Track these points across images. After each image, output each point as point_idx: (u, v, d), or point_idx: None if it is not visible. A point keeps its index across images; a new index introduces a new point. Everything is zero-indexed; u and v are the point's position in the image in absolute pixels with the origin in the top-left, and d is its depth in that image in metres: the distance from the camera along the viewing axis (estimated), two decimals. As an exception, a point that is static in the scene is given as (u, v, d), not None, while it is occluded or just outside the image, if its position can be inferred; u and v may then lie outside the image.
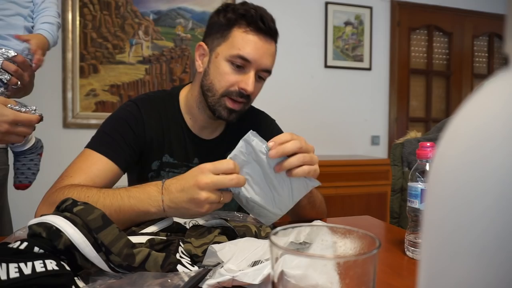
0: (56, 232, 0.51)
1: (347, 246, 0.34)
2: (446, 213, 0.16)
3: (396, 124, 3.09)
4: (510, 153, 0.14)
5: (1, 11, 0.99)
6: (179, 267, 0.55)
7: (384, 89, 3.08)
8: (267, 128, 1.08)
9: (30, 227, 0.53)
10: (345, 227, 0.35)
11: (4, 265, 0.45)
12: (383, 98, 3.08)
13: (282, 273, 0.31)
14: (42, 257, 0.48)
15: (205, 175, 0.66)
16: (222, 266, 0.53)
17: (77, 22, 2.36)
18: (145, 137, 0.92)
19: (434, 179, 0.18)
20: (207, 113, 0.95)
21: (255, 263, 0.54)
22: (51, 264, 0.47)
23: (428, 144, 0.69)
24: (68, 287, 0.48)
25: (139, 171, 0.96)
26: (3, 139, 0.80)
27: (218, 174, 0.67)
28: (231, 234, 0.69)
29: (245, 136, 0.71)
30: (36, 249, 0.49)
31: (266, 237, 0.69)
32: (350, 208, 2.47)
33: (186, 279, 0.50)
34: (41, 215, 0.54)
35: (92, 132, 0.99)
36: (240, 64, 0.87)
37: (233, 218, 0.81)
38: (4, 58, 0.91)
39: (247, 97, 0.90)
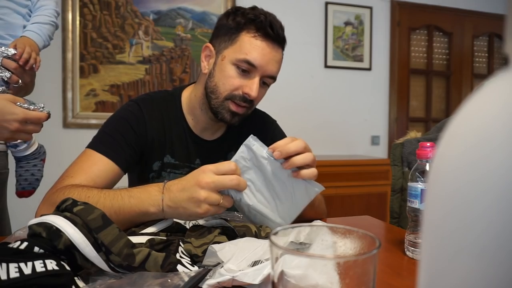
0: (56, 232, 0.51)
1: (347, 246, 0.34)
2: (446, 213, 0.16)
3: (396, 124, 3.09)
4: (510, 153, 0.14)
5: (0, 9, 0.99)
6: (179, 267, 0.55)
7: (384, 89, 3.08)
8: (269, 129, 1.08)
9: (30, 227, 0.53)
10: (345, 227, 0.35)
11: (4, 265, 0.45)
12: (383, 98, 3.09)
13: (282, 273, 0.31)
14: (42, 257, 0.48)
15: (206, 175, 0.66)
16: (222, 266, 0.53)
17: (77, 22, 2.36)
18: (147, 137, 0.92)
19: (434, 179, 0.18)
20: (209, 115, 0.95)
21: (255, 263, 0.54)
22: (51, 264, 0.47)
23: (428, 144, 0.69)
24: (68, 287, 0.48)
25: (140, 171, 0.96)
26: (12, 137, 0.80)
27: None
28: (231, 234, 0.69)
29: (246, 141, 0.71)
30: (36, 249, 0.49)
31: (266, 237, 0.69)
32: (350, 208, 2.47)
33: (186, 279, 0.50)
34: (41, 215, 0.54)
35: (92, 132, 0.99)
36: (246, 68, 0.87)
37: (233, 218, 0.81)
38: (3, 56, 0.91)
39: (250, 102, 0.90)
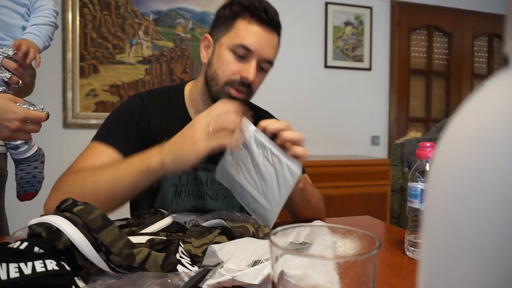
0: (56, 232, 0.51)
1: (347, 246, 0.34)
2: (446, 213, 0.16)
3: (396, 124, 3.09)
4: (510, 153, 0.14)
5: None
6: (179, 267, 0.55)
7: (384, 89, 3.08)
8: None
9: (30, 227, 0.53)
10: (345, 227, 0.35)
11: (4, 265, 0.45)
12: (383, 98, 3.09)
13: (282, 273, 0.31)
14: (42, 257, 0.48)
15: (201, 119, 0.71)
16: (222, 266, 0.53)
17: (77, 22, 2.36)
18: (149, 133, 0.92)
19: (434, 179, 0.18)
20: (211, 105, 0.96)
21: (255, 263, 0.54)
22: (51, 264, 0.47)
23: (428, 144, 0.69)
24: (68, 287, 0.48)
25: None
26: (12, 137, 0.80)
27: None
28: (231, 234, 0.69)
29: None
30: (36, 249, 0.49)
31: (264, 237, 0.69)
32: (350, 208, 2.47)
33: (186, 279, 0.50)
34: (41, 215, 0.54)
35: (92, 132, 0.97)
36: (242, 54, 0.88)
37: (233, 218, 0.81)
38: (4, 56, 0.91)
39: (249, 86, 0.91)
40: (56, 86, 2.33)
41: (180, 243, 0.62)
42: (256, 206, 0.77)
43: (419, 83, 3.22)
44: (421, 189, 0.68)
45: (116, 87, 2.45)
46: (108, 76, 2.43)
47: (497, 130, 0.15)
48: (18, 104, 0.79)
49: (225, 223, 0.71)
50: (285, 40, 3.16)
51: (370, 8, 2.97)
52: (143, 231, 0.68)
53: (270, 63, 0.93)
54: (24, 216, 0.94)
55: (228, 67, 0.89)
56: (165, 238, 0.64)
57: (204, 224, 0.74)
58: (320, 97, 2.89)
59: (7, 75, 0.91)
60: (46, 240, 0.51)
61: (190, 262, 0.58)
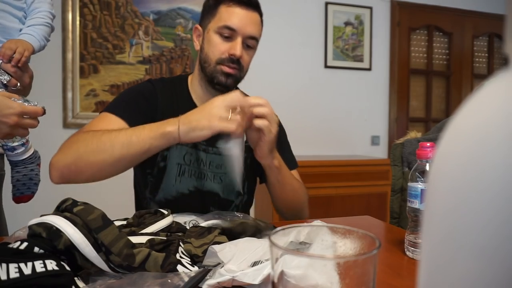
0: (56, 232, 0.51)
1: (347, 246, 0.34)
2: (446, 213, 0.16)
3: (396, 124, 3.09)
4: (510, 153, 0.14)
5: None
6: (179, 267, 0.55)
7: (384, 89, 3.08)
8: None
9: (30, 227, 0.53)
10: (345, 227, 0.35)
11: (4, 265, 0.45)
12: (383, 98, 3.08)
13: (282, 273, 0.31)
14: (42, 257, 0.48)
15: (217, 100, 0.80)
16: (222, 266, 0.53)
17: (77, 22, 2.36)
18: (157, 110, 1.00)
19: (434, 179, 0.18)
20: (208, 90, 1.05)
21: (255, 264, 0.54)
22: (51, 264, 0.47)
23: (428, 144, 0.69)
24: (68, 287, 0.48)
25: None
26: (11, 133, 0.80)
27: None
28: (231, 234, 0.69)
29: None
30: (36, 249, 0.49)
31: (267, 230, 0.69)
32: (350, 208, 2.47)
33: (186, 279, 0.50)
34: (41, 215, 0.54)
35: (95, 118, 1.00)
36: (228, 34, 0.98)
37: (233, 218, 0.81)
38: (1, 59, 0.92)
39: (238, 62, 1.00)
40: (56, 86, 2.33)
41: (180, 243, 0.62)
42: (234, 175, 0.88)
43: (419, 83, 3.22)
44: (421, 189, 0.68)
45: (116, 87, 2.45)
46: (108, 76, 2.43)
47: (496, 130, 0.15)
48: (12, 99, 0.79)
49: (225, 223, 0.71)
50: (285, 40, 3.15)
51: (370, 8, 2.97)
52: (143, 231, 0.68)
53: (255, 39, 1.02)
54: (24, 216, 0.94)
55: (217, 47, 0.99)
56: (165, 238, 0.64)
57: (204, 224, 0.74)
58: (320, 97, 2.89)
59: (6, 77, 0.92)
60: (46, 240, 0.51)
61: (190, 262, 0.58)
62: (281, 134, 1.15)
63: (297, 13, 2.81)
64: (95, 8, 2.40)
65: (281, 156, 1.03)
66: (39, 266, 0.46)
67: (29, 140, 1.10)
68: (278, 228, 0.34)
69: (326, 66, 2.90)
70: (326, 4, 2.86)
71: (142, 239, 0.61)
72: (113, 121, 0.90)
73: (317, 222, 0.81)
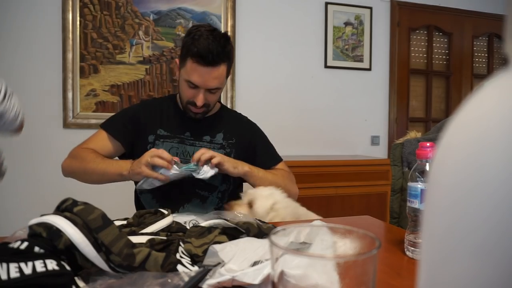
0: (56, 232, 0.51)
1: (347, 246, 0.34)
2: (446, 213, 0.16)
3: (396, 124, 3.09)
4: (509, 153, 0.14)
5: None
6: (179, 267, 0.55)
7: (384, 89, 3.08)
8: (247, 123, 1.35)
9: (30, 227, 0.53)
10: (345, 227, 0.35)
11: (4, 265, 0.45)
12: (383, 98, 3.08)
13: (282, 273, 0.31)
14: (42, 257, 0.48)
15: (145, 155, 1.05)
16: (223, 266, 0.53)
17: (77, 22, 2.36)
18: (140, 125, 1.23)
19: (434, 179, 0.18)
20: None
21: (255, 263, 0.54)
22: (52, 264, 0.47)
23: (428, 144, 0.69)
24: (69, 287, 0.48)
25: (140, 144, 1.23)
26: None
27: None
28: (231, 234, 0.69)
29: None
30: (36, 249, 0.49)
31: (268, 232, 0.69)
32: (350, 208, 2.47)
33: (186, 279, 0.50)
34: (41, 215, 0.54)
35: (92, 132, 1.10)
36: (193, 86, 1.14)
37: (234, 218, 0.81)
38: None
39: (204, 105, 1.17)
40: (56, 86, 2.33)
41: (180, 243, 0.62)
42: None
43: (419, 83, 3.22)
44: (421, 189, 0.68)
45: (116, 87, 2.45)
46: (108, 76, 2.43)
47: (496, 130, 0.15)
48: None
49: (228, 222, 0.71)
50: (285, 40, 3.15)
51: (370, 8, 2.97)
52: (143, 231, 0.68)
53: (218, 88, 1.17)
54: (24, 216, 0.94)
55: (185, 93, 1.18)
56: (165, 238, 0.64)
57: (204, 224, 0.74)
58: (320, 97, 2.89)
59: None
60: (47, 240, 0.51)
61: (190, 262, 0.58)
62: (259, 137, 1.33)
63: (297, 13, 2.81)
64: (95, 8, 2.40)
65: (264, 155, 1.29)
66: (39, 265, 0.46)
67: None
68: (278, 228, 0.34)
69: (326, 66, 2.90)
70: (326, 4, 2.86)
71: (142, 239, 0.61)
72: (104, 138, 1.22)
73: (317, 222, 0.81)
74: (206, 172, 1.06)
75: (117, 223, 0.73)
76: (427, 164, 0.69)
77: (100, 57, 2.41)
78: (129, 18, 2.46)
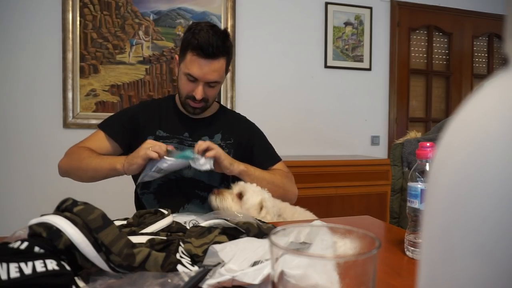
0: (57, 232, 0.51)
1: (347, 246, 0.34)
2: (446, 213, 0.16)
3: (396, 124, 3.09)
4: (509, 153, 0.14)
5: None
6: (179, 267, 0.55)
7: (384, 89, 3.08)
8: (245, 123, 1.35)
9: (30, 227, 0.53)
10: (345, 227, 0.35)
11: (4, 265, 0.45)
12: (383, 98, 3.08)
13: (282, 273, 0.31)
14: (42, 257, 0.48)
15: (142, 147, 1.05)
16: (223, 266, 0.53)
17: (77, 22, 2.36)
18: (139, 125, 1.23)
19: (434, 179, 0.18)
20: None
21: (255, 263, 0.54)
22: (52, 264, 0.47)
23: (428, 144, 0.69)
24: (69, 286, 0.48)
25: (139, 145, 1.23)
26: None
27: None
28: (231, 234, 0.69)
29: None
30: (36, 249, 0.49)
31: (268, 232, 0.69)
32: (350, 208, 2.47)
33: (186, 279, 0.50)
34: (41, 215, 0.54)
35: (92, 132, 1.08)
36: (192, 79, 1.14)
37: (234, 218, 0.81)
38: None
39: (203, 100, 1.18)
40: (56, 86, 2.33)
41: (180, 243, 0.62)
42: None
43: (419, 83, 3.22)
44: (421, 189, 0.68)
45: (116, 87, 2.45)
46: (108, 76, 2.43)
47: (496, 130, 0.15)
48: None
49: (228, 222, 0.71)
50: (285, 40, 3.15)
51: (370, 8, 2.97)
52: (143, 231, 0.68)
53: (216, 82, 1.17)
54: (24, 216, 0.94)
55: (184, 87, 1.18)
56: (165, 238, 0.64)
57: (204, 224, 0.74)
58: (320, 97, 2.89)
59: None
60: (47, 240, 0.51)
61: (190, 262, 0.58)
62: (257, 137, 1.33)
63: (297, 13, 2.81)
64: (95, 8, 2.40)
65: (262, 155, 1.28)
66: (39, 265, 0.46)
67: None
68: (278, 228, 0.34)
69: (326, 66, 2.90)
70: (326, 4, 2.86)
71: (142, 239, 0.61)
72: (101, 138, 1.22)
73: (317, 222, 0.81)
74: (202, 165, 1.05)
75: (117, 223, 0.73)
76: (427, 164, 0.69)
77: (100, 57, 2.41)
78: (129, 18, 2.46)
